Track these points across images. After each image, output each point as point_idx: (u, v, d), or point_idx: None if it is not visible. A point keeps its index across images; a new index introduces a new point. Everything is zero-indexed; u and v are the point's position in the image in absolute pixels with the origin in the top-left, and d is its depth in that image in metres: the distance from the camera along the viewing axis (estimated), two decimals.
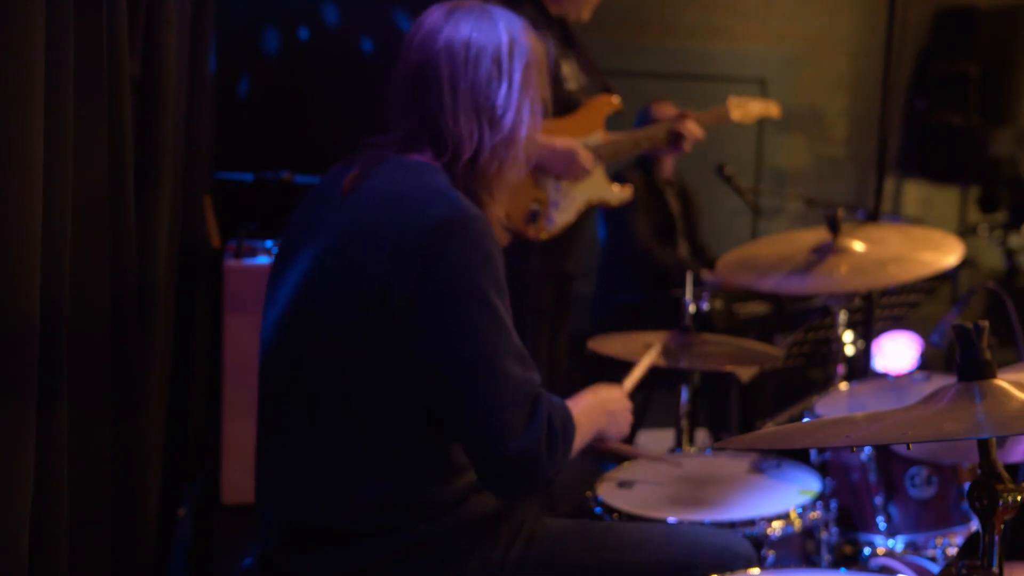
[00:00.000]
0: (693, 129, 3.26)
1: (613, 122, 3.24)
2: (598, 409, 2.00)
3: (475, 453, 1.71)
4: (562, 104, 3.09)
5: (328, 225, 1.77)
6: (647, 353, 2.46)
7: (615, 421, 2.04)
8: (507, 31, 1.82)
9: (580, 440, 1.88)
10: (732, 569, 1.81)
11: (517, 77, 1.80)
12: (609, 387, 2.09)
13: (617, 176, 3.51)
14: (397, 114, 1.84)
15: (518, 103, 1.81)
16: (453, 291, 1.65)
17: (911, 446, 1.36)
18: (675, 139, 3.27)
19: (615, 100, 3.20)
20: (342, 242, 1.73)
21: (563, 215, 3.10)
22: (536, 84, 1.85)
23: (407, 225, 1.67)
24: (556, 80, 3.09)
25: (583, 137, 3.11)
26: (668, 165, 4.62)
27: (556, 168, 3.03)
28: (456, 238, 1.66)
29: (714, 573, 1.79)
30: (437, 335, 1.65)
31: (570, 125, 3.11)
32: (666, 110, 4.07)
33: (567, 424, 1.77)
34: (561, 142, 3.02)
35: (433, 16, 1.84)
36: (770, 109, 3.55)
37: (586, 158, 3.04)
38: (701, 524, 2.10)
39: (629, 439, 4.36)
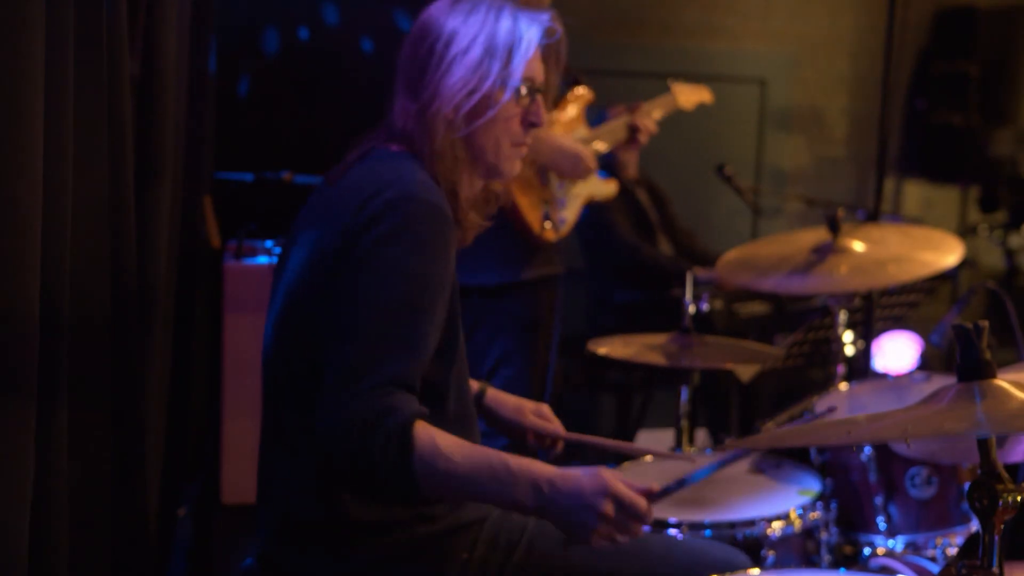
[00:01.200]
0: (649, 125, 3.27)
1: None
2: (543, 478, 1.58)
3: (320, 422, 1.58)
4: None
5: (307, 223, 1.80)
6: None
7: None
8: (463, 16, 1.79)
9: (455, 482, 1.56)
10: None
11: (489, 74, 1.77)
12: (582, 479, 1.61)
13: None
14: (391, 100, 1.88)
15: (483, 99, 1.77)
16: (370, 259, 1.63)
17: (911, 445, 1.36)
18: (633, 134, 3.27)
19: (589, 92, 3.19)
20: (313, 234, 1.75)
21: (570, 212, 3.10)
22: (493, 71, 1.78)
23: (361, 204, 1.68)
24: None
25: (571, 133, 3.11)
26: (632, 165, 4.60)
27: (563, 168, 3.00)
28: (395, 213, 1.65)
29: None
30: (342, 296, 1.63)
31: (557, 122, 3.09)
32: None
33: (401, 439, 1.52)
34: (568, 143, 3.00)
35: (433, 9, 1.85)
36: (704, 95, 3.58)
37: (589, 156, 3.02)
38: (702, 527, 2.10)
39: (628, 440, 4.36)
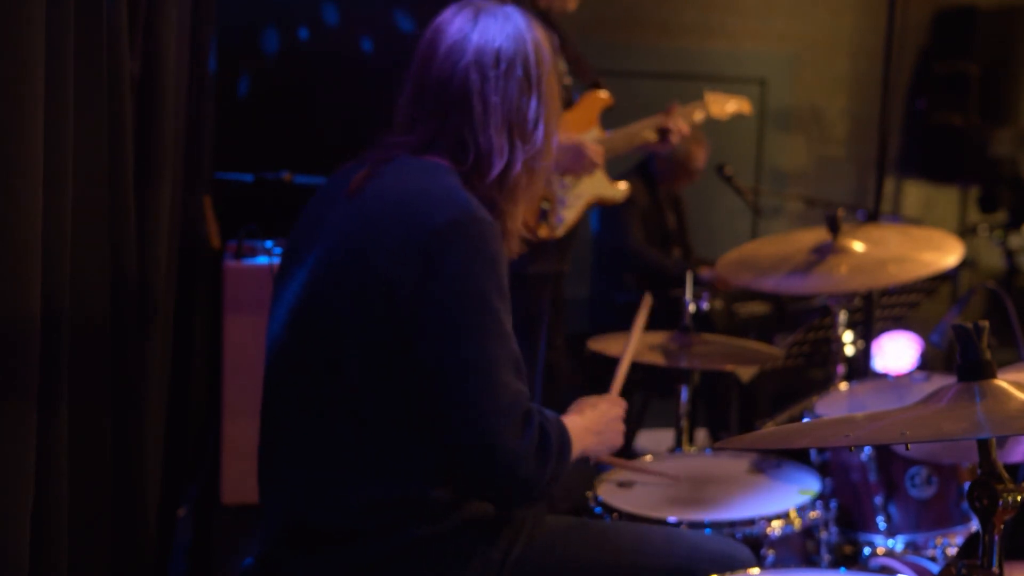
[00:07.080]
0: (682, 126, 3.25)
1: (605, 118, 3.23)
2: (582, 429, 1.94)
3: (466, 458, 1.69)
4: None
5: (335, 224, 1.77)
6: (628, 351, 2.40)
7: (603, 440, 1.99)
8: (532, 40, 1.79)
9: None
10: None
11: (544, 88, 1.79)
12: (599, 400, 2.04)
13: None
14: (415, 118, 1.81)
15: (547, 115, 1.79)
16: (456, 293, 1.65)
17: (910, 446, 1.36)
18: (664, 135, 3.25)
19: (607, 96, 3.18)
20: (348, 240, 1.72)
21: (570, 212, 3.10)
22: (555, 88, 1.83)
23: (414, 224, 1.67)
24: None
25: (581, 134, 3.10)
26: (682, 185, 4.64)
27: (565, 164, 2.99)
28: (462, 240, 1.66)
29: None
30: (438, 336, 1.65)
31: (568, 121, 3.09)
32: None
33: (563, 439, 1.76)
34: (567, 138, 3.00)
35: (458, 22, 1.80)
36: (742, 106, 3.56)
37: (595, 151, 3.01)
38: (702, 527, 2.10)
39: (628, 440, 4.37)
